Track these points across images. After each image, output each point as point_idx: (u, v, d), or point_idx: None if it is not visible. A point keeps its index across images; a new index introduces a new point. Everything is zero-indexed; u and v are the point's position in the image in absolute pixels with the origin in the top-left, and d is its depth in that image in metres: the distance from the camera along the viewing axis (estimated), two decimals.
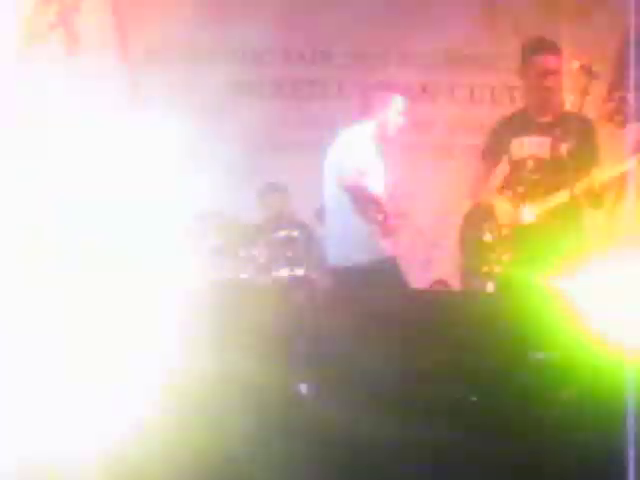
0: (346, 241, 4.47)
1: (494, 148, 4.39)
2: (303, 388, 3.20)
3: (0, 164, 4.41)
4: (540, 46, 4.36)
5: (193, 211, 5.21)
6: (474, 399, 3.11)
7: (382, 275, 4.43)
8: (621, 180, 4.42)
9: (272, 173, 5.47)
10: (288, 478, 2.75)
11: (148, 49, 5.61)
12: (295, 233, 5.29)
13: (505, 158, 4.30)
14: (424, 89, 5.91)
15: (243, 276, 5.17)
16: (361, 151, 4.35)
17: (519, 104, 4.69)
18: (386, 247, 4.45)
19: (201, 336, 3.16)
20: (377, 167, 4.43)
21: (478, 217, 4.39)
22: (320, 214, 4.93)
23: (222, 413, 2.92)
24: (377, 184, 4.43)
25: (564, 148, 4.06)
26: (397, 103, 4.52)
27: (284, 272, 5.10)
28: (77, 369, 2.86)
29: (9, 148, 4.45)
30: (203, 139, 5.35)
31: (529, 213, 4.23)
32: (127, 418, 2.74)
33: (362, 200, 4.40)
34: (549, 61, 4.27)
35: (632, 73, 5.01)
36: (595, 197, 4.18)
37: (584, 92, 4.18)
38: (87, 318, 3.14)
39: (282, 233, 5.26)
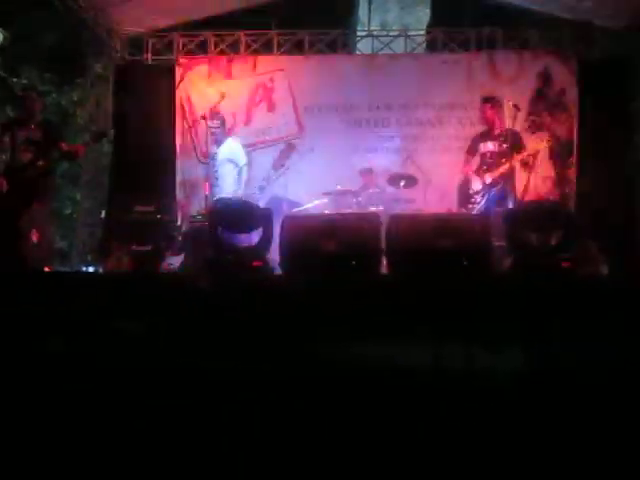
0: None
1: (473, 148, 7.38)
2: None
3: None
4: (488, 98, 7.50)
5: None
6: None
7: None
8: (534, 155, 7.50)
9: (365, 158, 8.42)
10: None
11: (305, 106, 8.79)
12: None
13: (477, 153, 7.36)
14: (439, 120, 8.69)
15: None
16: None
17: (484, 126, 7.58)
18: None
19: None
20: None
21: (465, 182, 7.44)
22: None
23: None
24: None
25: (504, 145, 6.99)
26: None
27: None
28: None
29: None
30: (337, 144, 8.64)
31: (489, 178, 7.14)
32: None
33: None
34: (490, 107, 7.38)
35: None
36: (524, 165, 7.37)
37: (514, 117, 7.23)
38: None
39: None
